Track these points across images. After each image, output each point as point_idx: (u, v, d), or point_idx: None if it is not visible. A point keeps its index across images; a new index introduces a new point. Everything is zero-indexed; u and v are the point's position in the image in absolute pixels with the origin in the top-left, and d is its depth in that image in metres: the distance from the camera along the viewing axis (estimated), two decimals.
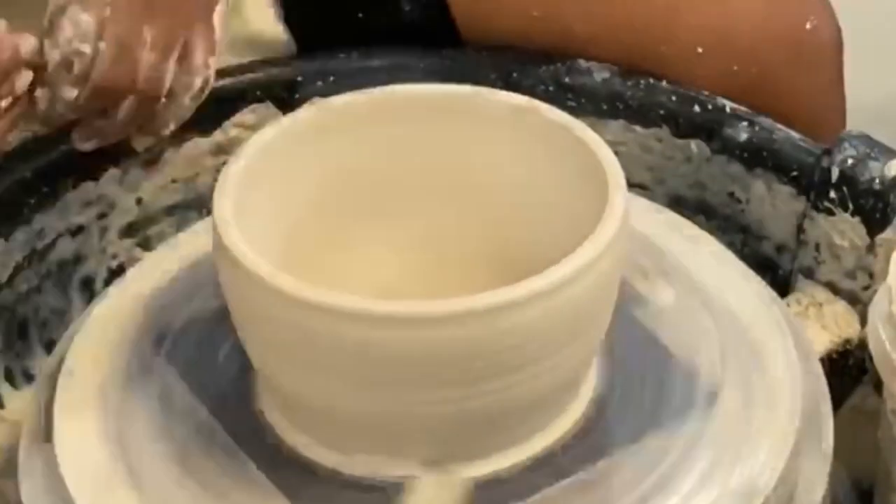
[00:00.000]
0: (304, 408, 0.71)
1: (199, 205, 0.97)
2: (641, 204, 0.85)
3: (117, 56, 0.77)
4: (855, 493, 0.84)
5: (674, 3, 0.96)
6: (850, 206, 0.87)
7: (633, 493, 0.69)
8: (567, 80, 0.97)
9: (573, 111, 0.86)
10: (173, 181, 0.97)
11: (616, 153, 0.73)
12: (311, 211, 0.77)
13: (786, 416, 0.73)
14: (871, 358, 0.76)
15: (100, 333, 0.78)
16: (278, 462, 0.71)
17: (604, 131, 0.95)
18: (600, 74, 0.97)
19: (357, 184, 0.79)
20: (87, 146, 0.85)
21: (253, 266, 0.66)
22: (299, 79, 0.98)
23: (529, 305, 0.65)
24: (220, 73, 0.98)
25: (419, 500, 0.69)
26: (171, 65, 0.81)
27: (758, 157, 0.92)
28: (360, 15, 1.00)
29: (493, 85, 0.88)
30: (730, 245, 0.90)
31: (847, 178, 0.87)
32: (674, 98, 0.95)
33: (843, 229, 0.87)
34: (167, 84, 0.81)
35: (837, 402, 0.78)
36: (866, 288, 0.87)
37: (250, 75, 0.98)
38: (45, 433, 0.74)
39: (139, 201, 0.95)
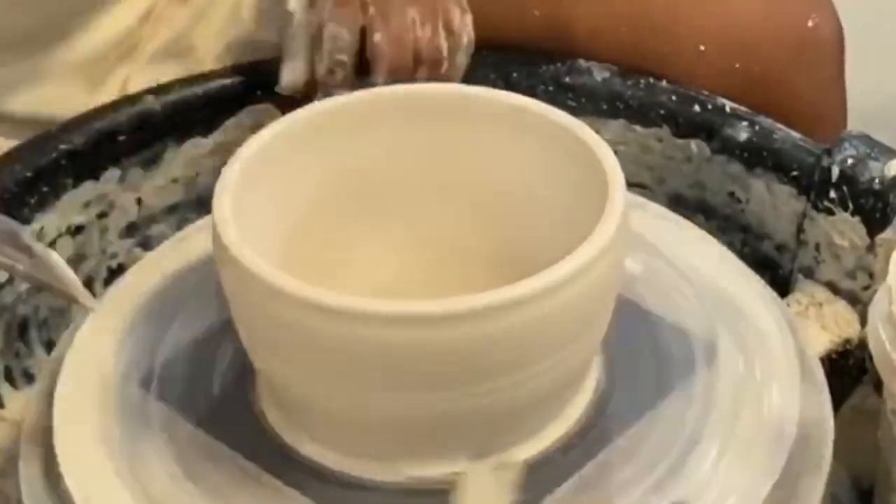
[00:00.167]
0: (304, 408, 0.71)
1: (199, 205, 0.97)
2: (639, 203, 0.85)
3: (397, 43, 0.85)
4: (855, 493, 0.84)
5: (674, 2, 0.96)
6: (851, 205, 0.87)
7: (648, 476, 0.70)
8: (567, 79, 0.97)
9: (573, 111, 0.86)
10: (173, 181, 0.97)
11: (616, 153, 0.72)
12: (310, 211, 0.77)
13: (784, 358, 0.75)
14: (871, 358, 0.76)
15: (100, 332, 0.78)
16: (278, 462, 0.71)
17: (604, 131, 0.95)
18: (600, 74, 0.97)
19: (357, 184, 0.78)
20: None
21: (253, 266, 0.66)
22: None
23: (529, 305, 0.65)
24: (220, 74, 0.98)
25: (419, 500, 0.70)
26: (442, 32, 0.89)
27: (758, 156, 0.92)
28: None
29: (493, 84, 0.88)
30: (730, 245, 0.90)
31: (847, 177, 0.87)
32: (674, 98, 0.95)
33: (844, 229, 0.87)
34: (445, 51, 0.89)
35: (837, 402, 0.78)
36: (866, 288, 0.87)
37: (250, 75, 0.98)
38: (46, 433, 0.74)
39: (139, 201, 0.95)
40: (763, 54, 0.96)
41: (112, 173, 0.93)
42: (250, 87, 0.97)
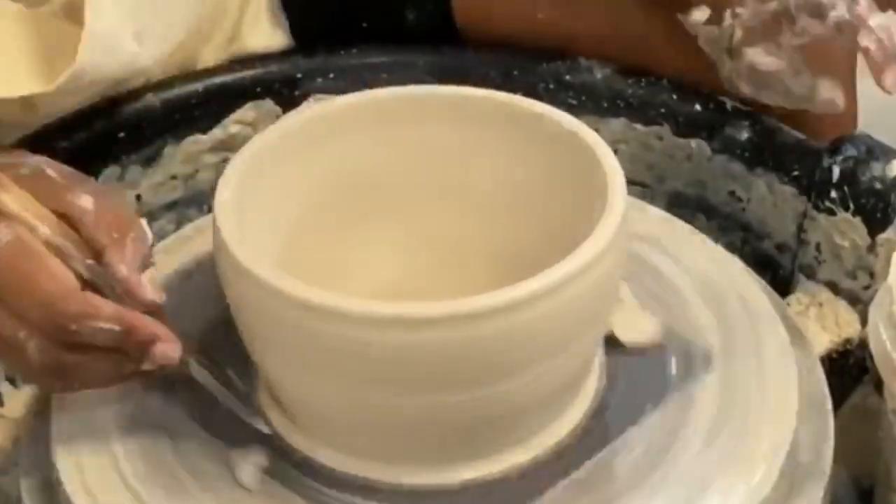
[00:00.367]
0: (303, 408, 0.71)
1: (198, 201, 0.97)
2: (638, 205, 0.85)
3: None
4: (855, 492, 0.84)
5: (677, 1, 0.96)
6: (851, 205, 0.87)
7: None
8: (568, 77, 0.97)
9: (574, 109, 0.86)
10: (173, 178, 0.97)
11: (616, 151, 0.73)
12: (311, 211, 0.77)
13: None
14: (871, 358, 0.75)
15: None
16: (277, 461, 0.71)
17: (604, 129, 0.95)
18: (601, 72, 0.97)
19: (357, 184, 0.78)
20: None
21: (253, 266, 0.66)
22: (299, 75, 0.98)
23: (529, 306, 0.65)
24: (221, 70, 0.98)
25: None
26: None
27: (759, 156, 0.92)
28: (365, 25, 1.00)
29: (493, 83, 0.88)
30: (730, 244, 0.90)
31: (848, 177, 0.87)
32: (675, 96, 0.95)
33: (844, 229, 0.87)
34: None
35: (838, 402, 0.78)
36: (867, 288, 0.87)
37: (250, 72, 0.98)
38: (45, 431, 0.74)
39: (139, 198, 0.95)
40: None
41: (112, 171, 0.93)
42: (250, 84, 0.97)
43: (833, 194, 0.88)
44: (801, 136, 0.91)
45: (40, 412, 0.76)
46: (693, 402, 0.74)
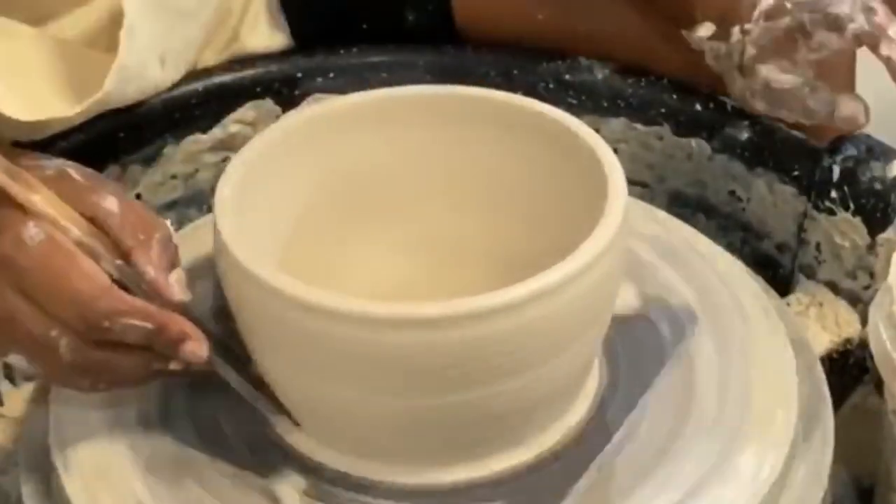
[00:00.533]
0: (303, 408, 0.71)
1: (198, 201, 0.97)
2: (638, 207, 0.85)
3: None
4: (855, 492, 0.84)
5: (679, 1, 0.96)
6: (851, 205, 0.87)
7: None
8: (568, 77, 0.97)
9: (574, 109, 0.86)
10: (173, 177, 0.97)
11: (617, 151, 0.73)
12: (311, 211, 0.77)
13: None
14: (871, 358, 0.76)
15: None
16: (277, 461, 0.71)
17: (604, 129, 0.95)
18: (601, 72, 0.97)
19: (357, 184, 0.78)
20: None
21: (253, 266, 0.66)
22: (299, 75, 0.98)
23: (529, 306, 0.65)
24: (220, 70, 0.98)
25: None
26: None
27: (759, 156, 0.92)
28: (365, 26, 1.00)
29: (493, 82, 0.88)
30: (730, 244, 0.90)
31: (848, 177, 0.87)
32: (675, 96, 0.95)
33: (844, 229, 0.87)
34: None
35: (838, 402, 0.78)
36: (867, 288, 0.87)
37: (250, 71, 0.98)
38: (45, 430, 0.74)
39: (138, 197, 0.95)
40: None
41: (112, 170, 0.93)
42: (250, 83, 0.97)
43: (833, 194, 0.87)
44: (801, 135, 0.91)
45: (40, 412, 0.76)
46: (693, 404, 0.73)
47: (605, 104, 0.96)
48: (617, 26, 0.97)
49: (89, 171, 0.72)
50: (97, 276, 0.67)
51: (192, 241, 0.79)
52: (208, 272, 0.74)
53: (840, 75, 0.94)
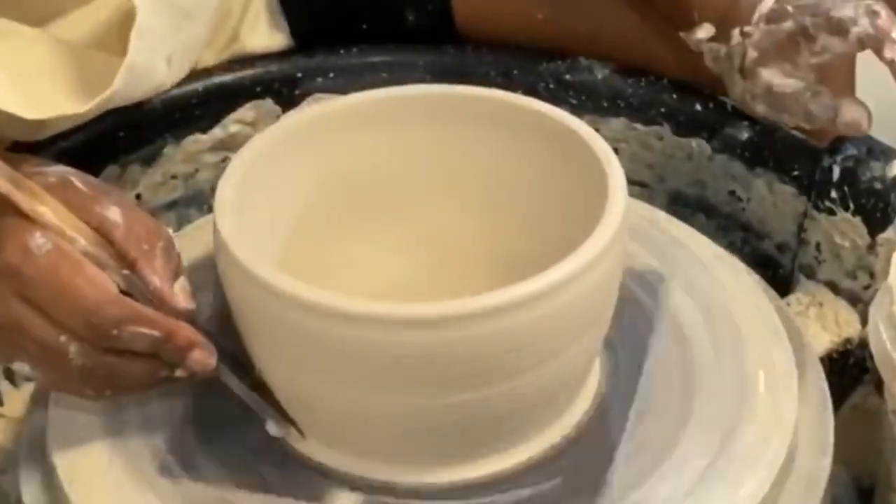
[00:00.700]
0: (303, 407, 0.71)
1: (198, 201, 0.97)
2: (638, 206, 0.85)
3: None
4: (855, 492, 0.84)
5: (678, 3, 0.96)
6: (851, 205, 0.87)
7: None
8: (568, 77, 0.97)
9: (574, 108, 0.86)
10: (173, 177, 0.97)
11: (617, 151, 0.73)
12: (311, 211, 0.77)
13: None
14: (871, 357, 0.75)
15: None
16: (277, 460, 0.71)
17: (605, 129, 0.95)
18: (601, 72, 0.97)
19: (357, 184, 0.78)
20: None
21: (253, 266, 0.66)
22: (299, 75, 0.98)
23: (530, 306, 0.65)
24: (220, 70, 0.98)
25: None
26: None
27: (759, 156, 0.92)
28: (365, 26, 1.00)
29: (493, 82, 0.88)
30: (730, 244, 0.90)
31: (848, 177, 0.87)
32: (675, 96, 0.95)
33: (844, 229, 0.87)
34: None
35: (838, 402, 0.78)
36: (867, 287, 0.87)
37: (250, 71, 0.98)
38: (45, 430, 0.74)
39: (138, 197, 0.95)
40: None
41: (112, 170, 0.93)
42: (250, 83, 0.97)
43: (833, 194, 0.88)
44: (800, 135, 0.91)
45: (40, 412, 0.76)
46: (693, 404, 0.73)
47: (605, 104, 0.96)
48: (617, 26, 0.97)
49: (91, 178, 0.72)
50: (105, 284, 0.68)
51: (192, 241, 0.79)
52: (208, 272, 0.74)
53: (840, 78, 0.94)
